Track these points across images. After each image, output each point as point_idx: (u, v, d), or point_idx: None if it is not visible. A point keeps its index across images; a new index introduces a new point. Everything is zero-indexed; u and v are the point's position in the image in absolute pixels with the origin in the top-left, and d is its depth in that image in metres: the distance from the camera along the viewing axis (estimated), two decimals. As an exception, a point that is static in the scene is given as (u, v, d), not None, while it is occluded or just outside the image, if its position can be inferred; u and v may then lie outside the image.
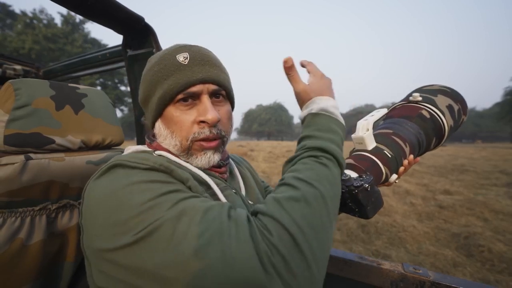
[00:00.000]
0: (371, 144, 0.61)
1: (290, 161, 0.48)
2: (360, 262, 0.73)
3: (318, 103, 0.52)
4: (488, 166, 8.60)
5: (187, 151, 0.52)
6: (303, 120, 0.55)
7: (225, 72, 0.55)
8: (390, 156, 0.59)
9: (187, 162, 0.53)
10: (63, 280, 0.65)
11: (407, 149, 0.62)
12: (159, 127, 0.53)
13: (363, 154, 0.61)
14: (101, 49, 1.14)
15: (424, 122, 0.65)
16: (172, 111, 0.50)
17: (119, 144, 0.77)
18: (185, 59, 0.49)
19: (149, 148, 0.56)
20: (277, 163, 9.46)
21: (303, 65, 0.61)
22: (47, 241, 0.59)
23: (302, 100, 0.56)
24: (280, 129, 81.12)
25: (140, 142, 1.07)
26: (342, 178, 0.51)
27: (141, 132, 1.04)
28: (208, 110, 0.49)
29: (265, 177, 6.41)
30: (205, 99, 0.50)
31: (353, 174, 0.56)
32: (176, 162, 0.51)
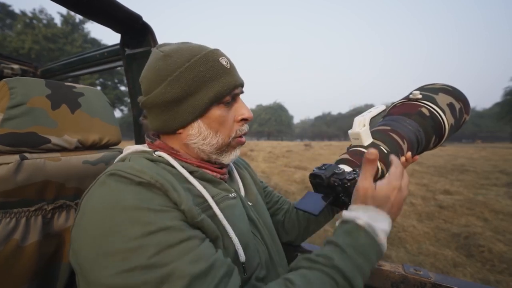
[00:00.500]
0: (367, 139, 0.61)
1: (310, 261, 0.42)
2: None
3: (369, 216, 0.43)
4: (488, 166, 8.60)
5: (225, 148, 0.55)
6: (344, 220, 0.46)
7: None
8: (386, 152, 0.59)
9: (218, 158, 0.55)
10: (60, 281, 0.64)
11: (404, 146, 0.62)
12: (199, 127, 0.52)
13: (359, 150, 0.61)
14: (99, 48, 1.14)
15: (423, 120, 0.65)
16: (218, 111, 0.51)
17: (117, 143, 0.76)
18: (226, 64, 0.52)
19: (149, 147, 0.56)
20: (276, 163, 9.45)
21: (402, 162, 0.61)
22: (43, 242, 0.58)
23: (356, 197, 0.47)
24: (280, 129, 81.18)
25: (139, 142, 1.06)
26: (336, 171, 0.53)
27: (140, 132, 1.03)
28: (247, 109, 0.55)
29: (265, 177, 6.41)
30: (241, 100, 0.55)
31: (347, 169, 0.56)
32: (174, 168, 0.51)
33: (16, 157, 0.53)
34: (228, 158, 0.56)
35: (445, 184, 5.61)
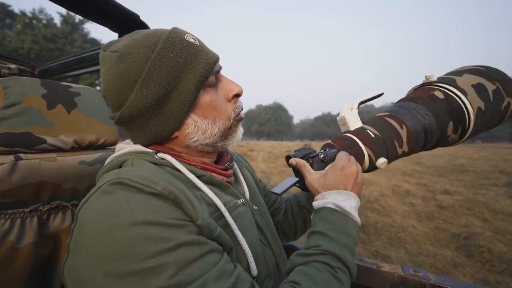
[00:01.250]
0: (354, 124, 0.58)
1: (303, 256, 0.44)
2: (359, 265, 0.72)
3: (334, 198, 0.48)
4: (487, 166, 8.60)
5: (228, 131, 0.49)
6: (316, 211, 0.50)
7: None
8: (373, 136, 0.54)
9: (224, 144, 0.51)
10: (56, 282, 0.63)
11: (403, 132, 0.54)
12: (194, 122, 0.45)
13: (344, 135, 0.57)
14: (97, 47, 1.13)
15: (433, 103, 0.55)
16: (207, 97, 0.45)
17: (114, 144, 0.75)
18: (194, 40, 0.44)
19: (150, 148, 0.49)
20: (276, 163, 9.45)
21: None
22: (38, 243, 0.58)
23: (313, 191, 0.52)
24: (279, 129, 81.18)
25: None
26: (307, 153, 0.54)
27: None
28: (234, 83, 0.49)
29: (265, 177, 6.41)
30: (223, 75, 0.50)
31: (320, 152, 0.56)
32: (180, 172, 0.46)
33: (11, 158, 0.52)
34: (234, 140, 0.51)
35: (444, 184, 5.60)
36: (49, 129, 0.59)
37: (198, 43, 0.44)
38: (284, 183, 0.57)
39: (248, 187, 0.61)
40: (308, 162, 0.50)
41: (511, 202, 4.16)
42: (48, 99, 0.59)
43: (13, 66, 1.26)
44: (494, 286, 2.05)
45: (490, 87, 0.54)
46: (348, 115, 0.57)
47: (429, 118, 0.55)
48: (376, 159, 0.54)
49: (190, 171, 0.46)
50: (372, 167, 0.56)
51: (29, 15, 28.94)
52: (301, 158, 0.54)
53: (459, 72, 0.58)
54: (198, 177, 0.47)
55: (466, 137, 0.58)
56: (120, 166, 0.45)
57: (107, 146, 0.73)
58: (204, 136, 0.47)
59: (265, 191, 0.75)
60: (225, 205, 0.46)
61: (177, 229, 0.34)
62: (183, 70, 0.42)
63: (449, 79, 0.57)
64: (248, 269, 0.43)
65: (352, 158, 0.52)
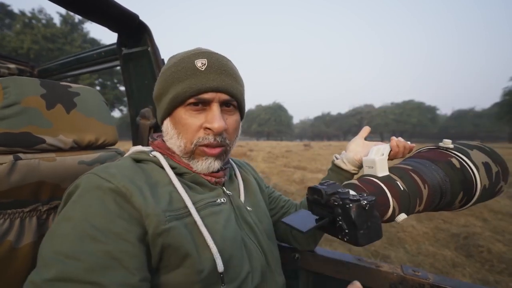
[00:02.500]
0: (382, 171, 0.54)
1: None
2: (358, 264, 0.72)
3: None
4: (487, 166, 8.59)
5: (190, 154, 0.53)
6: None
7: (240, 83, 0.55)
8: (402, 189, 0.51)
9: (188, 164, 0.54)
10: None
11: (425, 192, 0.53)
12: (167, 126, 0.54)
13: (370, 179, 0.53)
14: (96, 47, 1.13)
15: (452, 170, 0.56)
16: (182, 113, 0.51)
17: (113, 144, 0.75)
18: (202, 65, 0.50)
19: (151, 146, 0.59)
20: (276, 163, 9.45)
21: None
22: (37, 243, 0.58)
23: None
24: (279, 129, 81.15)
25: (136, 141, 1.05)
26: (339, 190, 0.45)
27: (137, 131, 1.02)
28: (216, 118, 0.49)
29: (265, 177, 6.40)
30: (215, 107, 0.50)
31: (352, 192, 0.48)
32: (162, 169, 0.52)
33: (10, 158, 0.52)
34: (199, 167, 0.53)
35: (444, 184, 5.60)
36: (48, 129, 0.59)
37: (203, 69, 0.50)
38: (301, 215, 0.49)
39: (246, 189, 0.64)
40: (346, 206, 0.42)
41: (510, 202, 4.17)
42: (47, 99, 0.59)
43: (12, 66, 1.26)
44: (493, 286, 2.05)
45: (494, 168, 0.57)
46: (378, 160, 0.54)
47: (446, 184, 0.55)
48: (399, 213, 0.52)
49: (175, 168, 0.53)
50: (391, 220, 0.53)
51: (29, 15, 28.90)
52: (330, 195, 0.45)
53: (469, 146, 0.60)
54: (181, 174, 0.53)
55: (464, 208, 0.61)
56: None
57: (106, 146, 0.73)
58: (170, 141, 0.54)
59: (270, 197, 0.77)
60: (195, 203, 0.49)
61: (107, 236, 0.38)
62: (172, 84, 0.51)
63: (463, 150, 0.58)
64: (213, 264, 0.44)
65: None
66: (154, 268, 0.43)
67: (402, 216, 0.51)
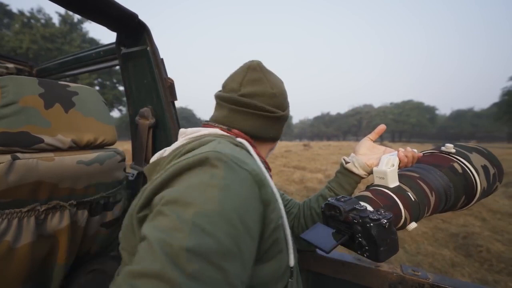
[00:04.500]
0: (393, 182, 0.56)
1: None
2: (358, 264, 0.72)
3: None
4: (486, 166, 8.61)
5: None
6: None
7: None
8: (413, 199, 0.53)
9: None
10: (54, 283, 0.63)
11: (432, 199, 0.56)
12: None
13: (382, 190, 0.54)
14: (95, 47, 1.13)
15: (455, 176, 0.59)
16: None
17: (112, 143, 0.75)
18: None
19: (228, 133, 0.55)
20: (276, 163, 9.45)
21: None
22: (36, 243, 0.57)
23: None
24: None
25: (135, 141, 1.05)
26: (356, 207, 0.46)
27: (136, 131, 1.02)
28: None
29: (264, 177, 6.39)
30: None
31: (369, 207, 0.49)
32: (253, 158, 0.49)
33: (8, 157, 0.52)
34: None
35: (443, 184, 5.61)
36: (46, 129, 0.59)
37: None
38: (319, 231, 0.49)
39: None
40: (367, 225, 0.42)
41: (509, 202, 4.18)
42: (46, 98, 0.59)
43: (11, 65, 1.26)
44: (492, 285, 2.06)
45: (491, 170, 0.61)
46: (390, 172, 0.55)
47: (451, 190, 0.58)
48: (410, 222, 0.54)
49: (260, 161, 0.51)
50: (401, 228, 0.55)
51: (28, 14, 28.82)
52: (348, 212, 0.46)
53: (468, 149, 0.63)
54: None
55: (464, 209, 0.64)
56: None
57: (105, 145, 0.73)
58: (270, 153, 0.66)
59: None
60: None
61: (246, 228, 0.35)
62: (288, 106, 0.65)
63: (464, 154, 0.62)
64: (287, 259, 0.45)
65: None
66: (256, 260, 0.40)
67: (413, 225, 0.54)
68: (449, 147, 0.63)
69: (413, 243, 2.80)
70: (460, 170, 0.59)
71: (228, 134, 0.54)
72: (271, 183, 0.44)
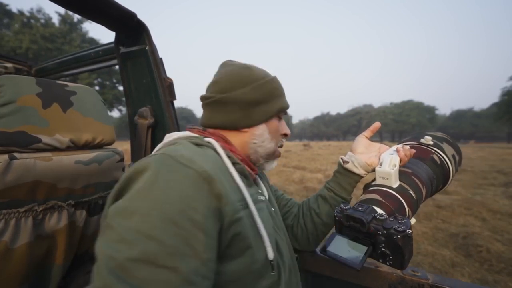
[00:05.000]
0: (396, 181, 0.58)
1: None
2: (357, 264, 0.72)
3: None
4: (485, 166, 8.63)
5: (271, 156, 0.63)
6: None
7: None
8: (414, 198, 0.56)
9: (262, 165, 0.63)
10: (52, 283, 0.63)
11: (423, 192, 0.60)
12: (263, 129, 0.60)
13: (389, 192, 0.56)
14: (94, 46, 1.12)
15: (436, 167, 0.65)
16: (276, 122, 0.62)
17: (111, 143, 0.75)
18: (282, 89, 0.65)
19: (203, 134, 0.58)
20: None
21: None
22: (33, 243, 0.57)
23: None
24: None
25: (134, 141, 1.04)
26: (376, 216, 0.46)
27: (135, 131, 1.02)
28: (287, 126, 0.66)
29: (264, 177, 6.39)
30: (283, 119, 0.66)
31: (385, 215, 0.48)
32: (220, 158, 0.50)
33: (5, 157, 0.52)
34: (269, 167, 0.64)
35: (443, 184, 5.61)
36: (44, 128, 0.58)
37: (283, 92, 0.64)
38: (340, 243, 0.49)
39: (266, 190, 0.67)
40: (393, 237, 0.42)
41: (509, 202, 4.18)
42: (44, 98, 0.59)
43: (9, 65, 1.25)
44: (492, 285, 2.06)
45: (457, 158, 0.69)
46: (394, 172, 0.57)
47: (434, 180, 0.64)
48: (410, 219, 0.56)
49: (229, 157, 0.53)
50: None
51: (27, 14, 28.80)
52: (376, 225, 0.45)
53: (440, 139, 0.70)
54: (233, 164, 0.53)
55: (436, 193, 0.71)
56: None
57: (103, 145, 0.73)
58: (262, 143, 0.60)
59: (275, 195, 0.78)
60: (250, 195, 0.49)
61: (191, 226, 0.37)
62: (276, 98, 0.61)
63: (439, 146, 0.68)
64: (265, 253, 0.46)
65: None
66: (220, 256, 0.42)
67: (413, 221, 0.57)
68: (428, 139, 0.68)
69: (413, 243, 2.80)
70: (439, 162, 0.65)
71: (198, 135, 0.56)
72: (228, 178, 0.46)
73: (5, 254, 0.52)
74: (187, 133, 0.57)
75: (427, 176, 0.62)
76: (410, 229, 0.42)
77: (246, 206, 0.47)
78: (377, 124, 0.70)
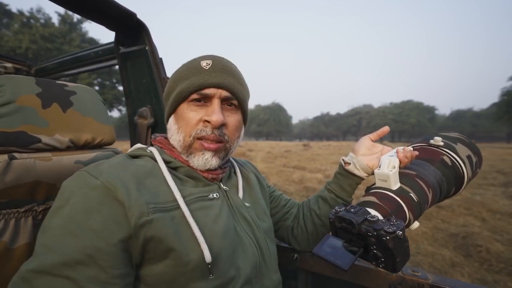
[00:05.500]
0: (395, 184, 0.56)
1: None
2: (357, 265, 0.72)
3: None
4: (485, 166, 8.63)
5: (188, 148, 0.54)
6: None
7: (243, 85, 0.58)
8: (416, 200, 0.54)
9: (187, 160, 0.55)
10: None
11: (430, 196, 0.57)
12: (171, 122, 0.57)
13: (386, 194, 0.55)
14: (94, 46, 1.12)
15: (446, 169, 0.61)
16: (184, 108, 0.54)
17: (111, 143, 0.75)
18: (207, 65, 0.53)
19: (152, 143, 0.61)
20: (275, 163, 9.45)
21: None
22: (33, 244, 0.57)
23: None
24: (278, 129, 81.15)
25: (134, 140, 1.04)
26: (368, 218, 0.45)
27: (135, 130, 1.01)
28: (215, 111, 0.52)
29: (263, 177, 6.38)
30: (216, 102, 0.53)
31: (379, 216, 0.49)
32: (156, 164, 0.52)
33: (5, 157, 0.52)
34: (196, 162, 0.53)
35: (443, 184, 5.61)
36: (44, 128, 0.58)
37: (207, 68, 0.53)
38: (332, 245, 0.47)
39: (246, 187, 0.66)
40: (383, 238, 0.42)
41: (509, 202, 4.18)
42: (43, 98, 0.59)
43: (9, 65, 1.25)
44: (492, 285, 2.06)
45: (474, 159, 0.64)
46: (392, 174, 0.55)
47: (444, 184, 0.61)
48: (413, 222, 0.55)
49: (170, 162, 0.54)
50: (408, 227, 0.56)
51: (27, 14, 28.79)
52: (361, 224, 0.45)
53: (453, 140, 0.66)
54: (176, 168, 0.54)
55: (452, 196, 0.67)
56: None
57: (103, 145, 0.73)
58: (171, 137, 0.56)
59: (271, 196, 0.78)
60: (185, 196, 0.49)
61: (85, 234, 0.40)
62: (178, 82, 0.54)
63: (451, 146, 0.64)
64: (201, 255, 0.45)
65: None
66: (139, 261, 0.43)
67: (416, 225, 0.56)
68: (438, 140, 0.64)
69: (412, 243, 2.80)
70: (449, 163, 0.62)
71: (143, 146, 0.58)
72: (159, 182, 0.48)
73: (4, 254, 0.52)
74: (136, 146, 0.59)
75: (434, 179, 0.59)
76: (401, 230, 0.41)
77: (178, 206, 0.47)
78: (385, 129, 0.67)
